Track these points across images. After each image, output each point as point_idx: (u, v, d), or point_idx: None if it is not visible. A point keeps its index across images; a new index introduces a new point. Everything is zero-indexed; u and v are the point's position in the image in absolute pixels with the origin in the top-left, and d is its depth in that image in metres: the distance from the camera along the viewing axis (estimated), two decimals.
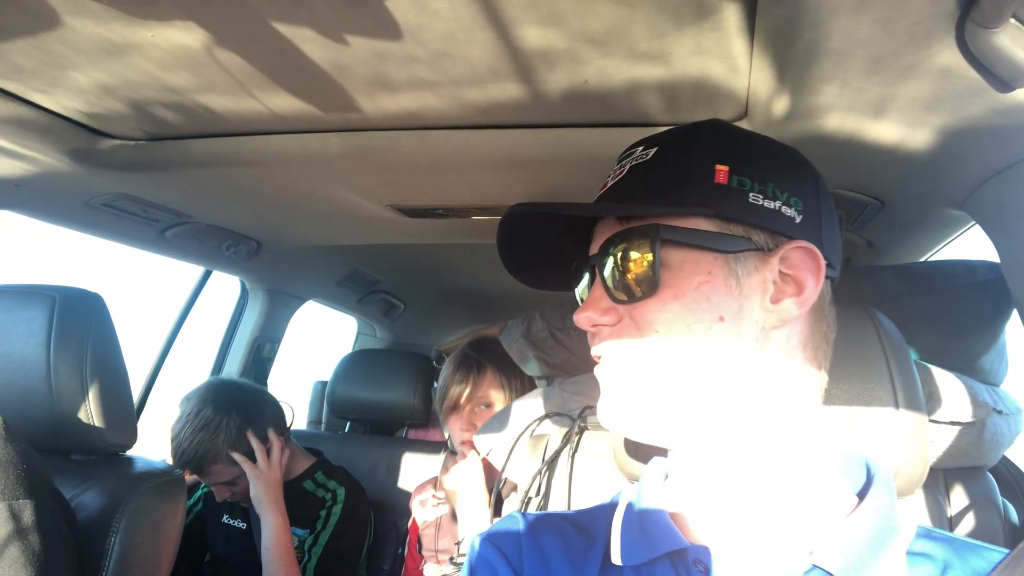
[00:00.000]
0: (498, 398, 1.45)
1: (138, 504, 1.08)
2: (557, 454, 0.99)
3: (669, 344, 0.51)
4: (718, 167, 0.52)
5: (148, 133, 1.05)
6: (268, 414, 1.60)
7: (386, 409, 2.03)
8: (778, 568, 0.50)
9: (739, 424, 0.52)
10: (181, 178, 1.19)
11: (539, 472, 0.98)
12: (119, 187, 1.22)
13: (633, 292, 0.52)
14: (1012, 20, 0.53)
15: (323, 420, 2.53)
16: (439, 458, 1.81)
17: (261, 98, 0.88)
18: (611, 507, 0.62)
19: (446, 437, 1.72)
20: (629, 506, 0.59)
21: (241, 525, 1.63)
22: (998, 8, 0.52)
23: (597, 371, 0.56)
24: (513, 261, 0.64)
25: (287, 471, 1.59)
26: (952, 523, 0.85)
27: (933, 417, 0.83)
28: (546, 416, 1.13)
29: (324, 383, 2.43)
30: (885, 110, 0.72)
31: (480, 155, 1.00)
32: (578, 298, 0.62)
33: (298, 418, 1.74)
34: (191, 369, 2.06)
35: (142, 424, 1.28)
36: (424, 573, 1.49)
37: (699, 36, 0.67)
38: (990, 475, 0.90)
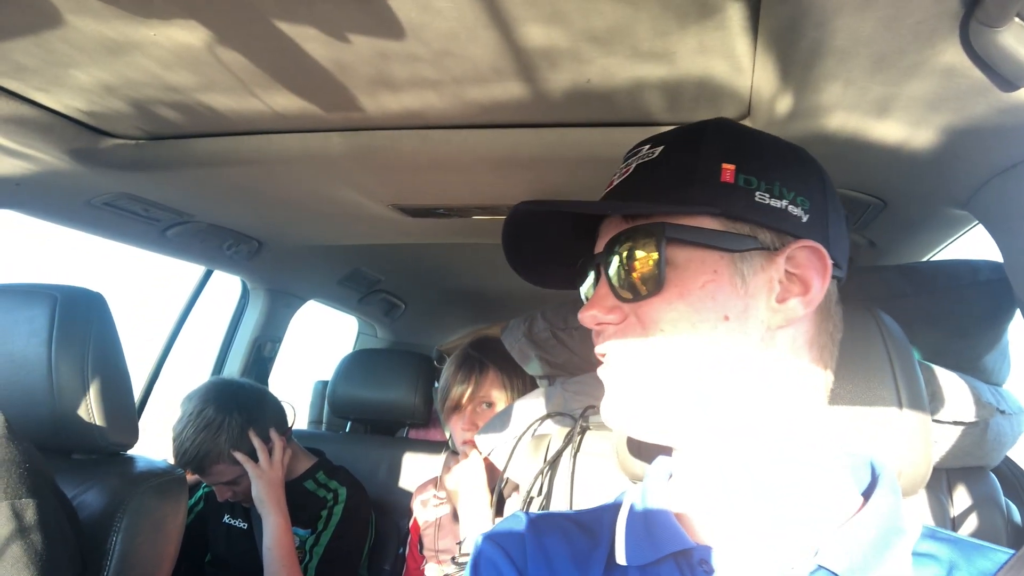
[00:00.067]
0: (500, 398, 1.45)
1: (139, 503, 1.08)
2: (559, 454, 0.99)
3: (674, 343, 0.51)
4: (724, 166, 0.52)
5: (149, 132, 1.05)
6: (270, 414, 1.60)
7: (387, 409, 2.03)
8: (783, 568, 0.50)
9: (744, 424, 0.51)
10: (182, 177, 1.18)
11: (541, 472, 0.98)
12: (120, 186, 1.22)
13: (638, 290, 0.52)
14: (1016, 19, 0.53)
15: (324, 420, 2.53)
16: (440, 458, 1.80)
17: (263, 97, 0.88)
18: (615, 507, 0.62)
19: (447, 437, 1.71)
20: (633, 506, 0.59)
21: (242, 525, 1.63)
22: (1002, 7, 0.51)
23: (601, 371, 0.56)
24: (518, 259, 0.64)
25: (288, 471, 1.58)
26: (955, 523, 0.85)
27: (936, 417, 0.82)
28: (548, 416, 1.13)
29: (325, 383, 2.43)
30: (888, 109, 0.72)
31: (482, 154, 1.00)
32: (583, 296, 0.62)
33: (299, 418, 1.74)
34: (192, 369, 2.06)
35: (143, 424, 1.28)
36: (425, 573, 1.49)
37: (702, 35, 0.66)
38: (993, 475, 0.90)
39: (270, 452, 1.53)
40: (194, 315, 1.94)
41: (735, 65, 0.72)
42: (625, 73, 0.75)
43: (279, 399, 1.68)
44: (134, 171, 1.13)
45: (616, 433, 0.82)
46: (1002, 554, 0.49)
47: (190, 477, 1.48)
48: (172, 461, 1.46)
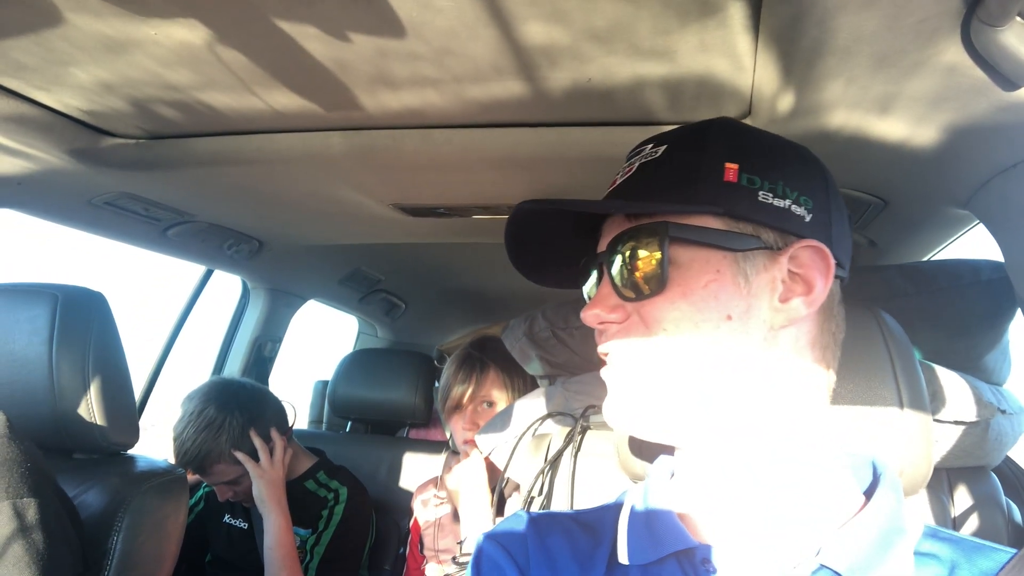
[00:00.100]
0: (500, 397, 1.45)
1: (140, 503, 1.08)
2: (560, 453, 0.99)
3: (677, 342, 0.51)
4: (728, 165, 0.52)
5: (150, 131, 1.05)
6: (270, 413, 1.60)
7: (387, 409, 2.03)
8: (785, 567, 0.50)
9: (747, 423, 0.51)
10: (183, 177, 1.18)
11: (542, 472, 0.98)
12: (121, 186, 1.22)
13: (641, 290, 0.52)
14: (1018, 18, 0.53)
15: (324, 420, 2.53)
16: (440, 458, 1.80)
17: (263, 96, 0.88)
18: (616, 507, 0.61)
19: (448, 437, 1.72)
20: (635, 505, 0.59)
21: (242, 525, 1.63)
22: (1004, 6, 0.51)
23: (604, 371, 0.56)
24: (520, 259, 0.64)
25: (289, 471, 1.58)
26: (956, 523, 0.85)
27: (937, 416, 0.82)
28: (548, 415, 1.13)
29: (325, 383, 2.44)
30: (890, 107, 0.72)
31: (483, 154, 1.00)
32: (585, 296, 0.62)
33: (299, 418, 1.74)
34: (192, 369, 2.06)
35: (143, 424, 1.28)
36: (426, 573, 1.49)
37: (703, 33, 0.66)
38: (994, 475, 0.90)
39: (271, 452, 1.53)
40: (194, 315, 1.94)
41: (736, 63, 0.72)
42: (626, 71, 0.75)
43: (280, 399, 1.68)
44: (135, 170, 1.13)
45: (617, 433, 0.82)
46: (1004, 553, 0.49)
47: (191, 477, 1.49)
48: (173, 461, 1.47)
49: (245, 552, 1.58)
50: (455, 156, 1.01)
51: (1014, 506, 0.89)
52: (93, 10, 0.68)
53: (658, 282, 0.51)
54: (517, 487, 1.13)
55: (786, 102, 0.76)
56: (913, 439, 0.66)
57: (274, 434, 1.56)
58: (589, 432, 1.01)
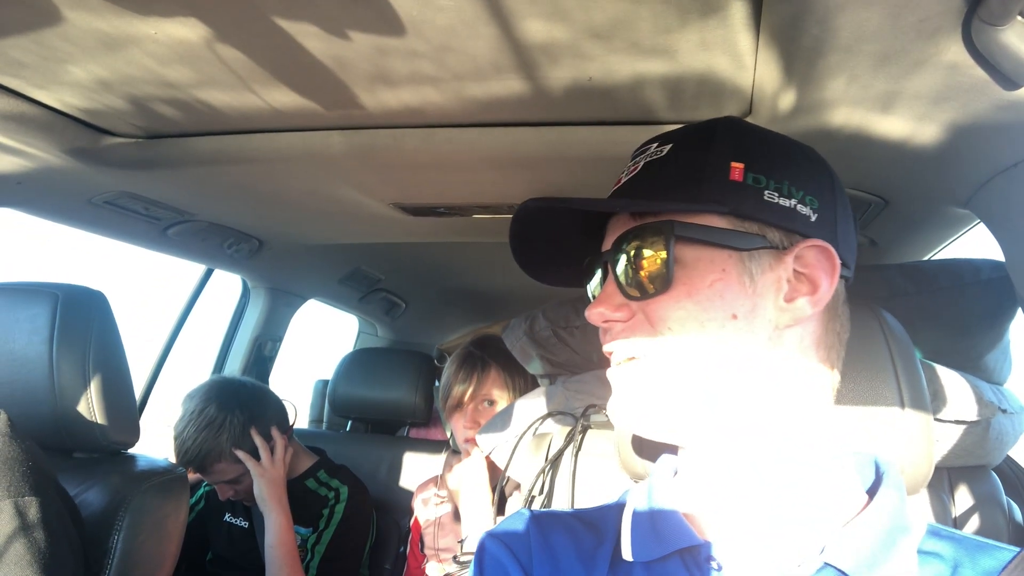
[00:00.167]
0: (501, 396, 1.45)
1: (141, 502, 1.08)
2: (560, 453, 0.99)
3: (682, 342, 0.51)
4: (733, 164, 0.52)
5: (149, 130, 1.04)
6: (271, 412, 1.60)
7: (388, 408, 2.03)
8: (790, 566, 0.50)
9: (752, 422, 0.51)
10: (183, 176, 1.18)
11: (542, 471, 0.98)
12: (121, 185, 1.22)
13: (646, 289, 0.52)
14: (1019, 18, 0.53)
15: (324, 419, 2.54)
16: (441, 457, 1.81)
17: (262, 94, 0.88)
18: (619, 505, 0.61)
19: (448, 436, 1.71)
20: (638, 503, 0.59)
21: (243, 524, 1.63)
22: (1005, 5, 0.51)
23: (609, 370, 0.56)
24: (524, 257, 0.64)
25: (290, 470, 1.59)
26: (957, 522, 0.85)
27: (938, 416, 0.82)
28: (549, 415, 1.13)
29: (325, 382, 2.44)
30: (891, 106, 0.72)
31: (483, 153, 1.00)
32: (590, 295, 0.62)
33: (300, 417, 1.74)
34: (192, 368, 2.06)
35: (143, 424, 1.28)
36: (426, 572, 1.49)
37: (704, 31, 0.66)
38: (994, 474, 0.90)
39: (272, 450, 1.53)
40: (195, 314, 1.94)
41: (737, 61, 0.72)
42: (626, 69, 0.75)
43: (280, 398, 1.68)
44: (135, 170, 1.13)
45: (617, 432, 0.82)
46: (1006, 552, 0.49)
47: (191, 476, 1.49)
48: (173, 460, 1.47)
49: (246, 551, 1.58)
50: (455, 155, 1.01)
51: (1015, 505, 0.89)
52: (91, 8, 0.68)
53: (663, 281, 0.51)
54: (518, 486, 1.13)
55: (787, 100, 0.76)
56: (914, 438, 0.66)
57: (275, 433, 1.56)
58: (590, 431, 1.01)
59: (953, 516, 0.85)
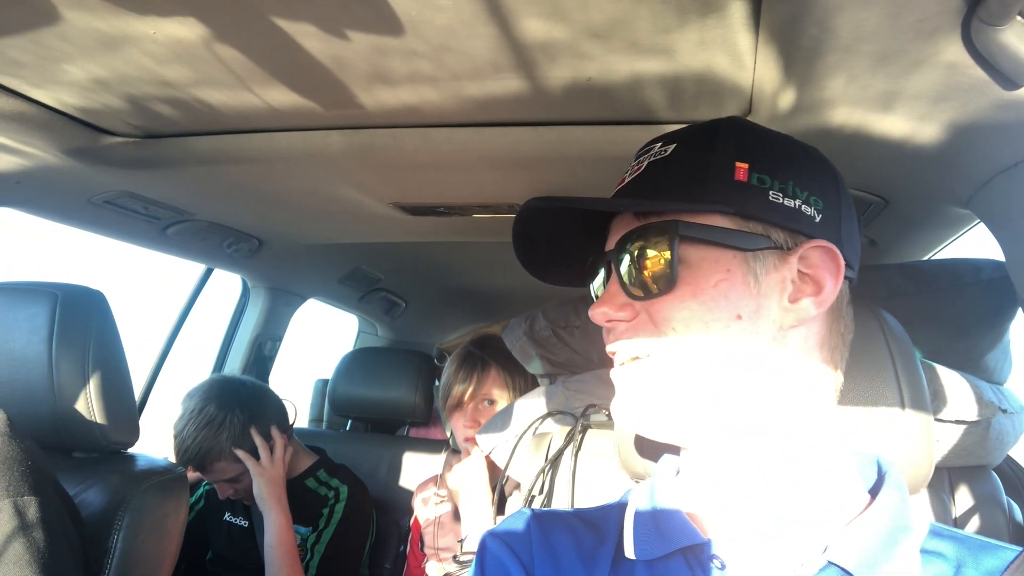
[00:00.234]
0: (501, 396, 1.45)
1: (141, 502, 1.08)
2: (560, 452, 0.99)
3: (686, 342, 0.50)
4: (738, 164, 0.52)
5: (148, 130, 1.04)
6: (271, 411, 1.60)
7: (387, 407, 2.03)
8: (793, 565, 0.50)
9: (756, 423, 0.51)
10: (182, 175, 1.18)
11: (542, 470, 0.98)
12: (120, 184, 1.22)
13: (650, 289, 0.52)
14: (1018, 18, 0.53)
15: (324, 419, 2.54)
16: (440, 456, 1.81)
17: (261, 94, 0.88)
18: (621, 505, 0.61)
19: (448, 435, 1.72)
20: (641, 502, 0.59)
21: (243, 523, 1.63)
22: (1004, 6, 0.51)
23: (613, 371, 0.56)
24: (527, 256, 0.64)
25: (289, 469, 1.59)
26: (957, 522, 0.85)
27: (938, 416, 0.82)
28: (549, 414, 1.13)
29: (325, 381, 2.44)
30: (891, 105, 0.72)
31: (483, 153, 1.00)
32: (593, 294, 0.62)
33: (299, 416, 1.74)
34: (192, 368, 2.06)
35: (143, 423, 1.28)
36: (426, 571, 1.49)
37: (703, 30, 0.66)
38: (995, 474, 0.90)
39: (271, 450, 1.53)
40: (194, 314, 1.94)
41: (737, 61, 0.72)
42: (625, 69, 0.75)
43: (280, 397, 1.68)
44: (134, 169, 1.13)
45: (617, 431, 0.82)
46: (1009, 552, 0.49)
47: (191, 475, 1.49)
48: (173, 459, 1.47)
49: (246, 550, 1.59)
50: (455, 155, 1.00)
51: (1015, 505, 0.89)
52: (89, 7, 0.68)
53: (667, 281, 0.51)
54: (517, 486, 1.13)
55: (787, 99, 0.76)
56: (914, 438, 0.66)
57: (274, 432, 1.56)
58: (589, 431, 1.01)
59: (953, 516, 0.85)
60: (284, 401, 1.68)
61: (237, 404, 1.52)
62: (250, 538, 1.59)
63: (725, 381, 0.51)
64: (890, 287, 0.91)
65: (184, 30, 0.72)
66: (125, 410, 1.16)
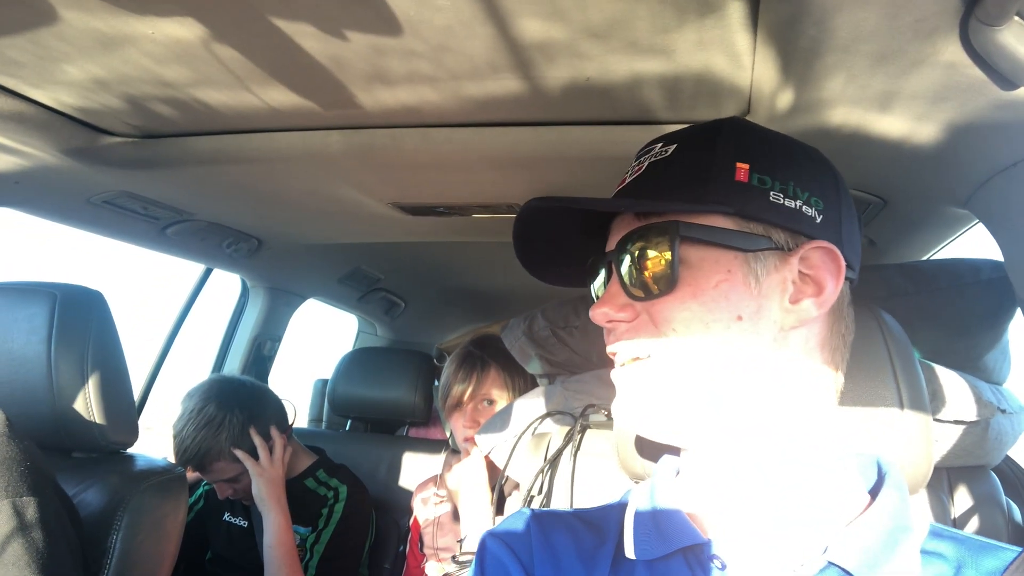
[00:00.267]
0: (501, 396, 1.45)
1: (140, 502, 1.08)
2: (559, 452, 0.99)
3: (687, 343, 0.50)
4: (739, 165, 0.52)
5: (146, 130, 1.04)
6: (270, 411, 1.60)
7: (387, 407, 2.03)
8: (793, 565, 0.50)
9: (757, 424, 0.51)
10: (181, 175, 1.18)
11: (541, 470, 0.98)
12: (119, 184, 1.22)
13: (650, 289, 0.52)
14: (1016, 18, 0.53)
15: (324, 418, 2.54)
16: (440, 456, 1.81)
17: (260, 94, 0.88)
18: (621, 505, 0.61)
19: (447, 435, 1.71)
20: (641, 502, 0.59)
21: (242, 523, 1.63)
22: (1002, 6, 0.51)
23: (613, 372, 0.56)
24: (527, 256, 0.64)
25: (289, 469, 1.59)
26: (956, 523, 0.85)
27: (937, 416, 0.82)
28: (548, 414, 1.13)
29: (325, 381, 2.44)
30: (889, 105, 0.72)
31: (482, 153, 1.00)
32: (593, 294, 0.62)
33: (299, 416, 1.74)
34: (191, 368, 2.06)
35: (143, 423, 1.28)
36: (426, 571, 1.49)
37: (702, 30, 0.66)
38: (994, 474, 0.90)
39: (271, 450, 1.53)
40: (194, 313, 1.94)
41: (735, 61, 0.72)
42: (624, 69, 0.75)
43: (279, 397, 1.68)
44: (133, 169, 1.13)
45: (616, 432, 0.82)
46: (1009, 552, 0.49)
47: (190, 475, 1.48)
48: (172, 459, 1.47)
49: (245, 550, 1.58)
50: (454, 155, 1.00)
51: (1014, 505, 0.89)
52: (86, 7, 0.68)
53: (668, 282, 0.51)
54: (517, 486, 1.13)
55: (785, 99, 0.76)
56: (913, 439, 0.66)
57: (274, 432, 1.56)
58: (588, 431, 1.01)
59: (952, 516, 0.85)
60: (283, 401, 1.68)
61: (236, 404, 1.52)
62: (249, 538, 1.59)
63: (726, 382, 0.51)
64: (890, 287, 0.90)
65: (183, 30, 0.72)
66: (124, 410, 1.16)
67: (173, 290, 2.03)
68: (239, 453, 1.49)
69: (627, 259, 0.54)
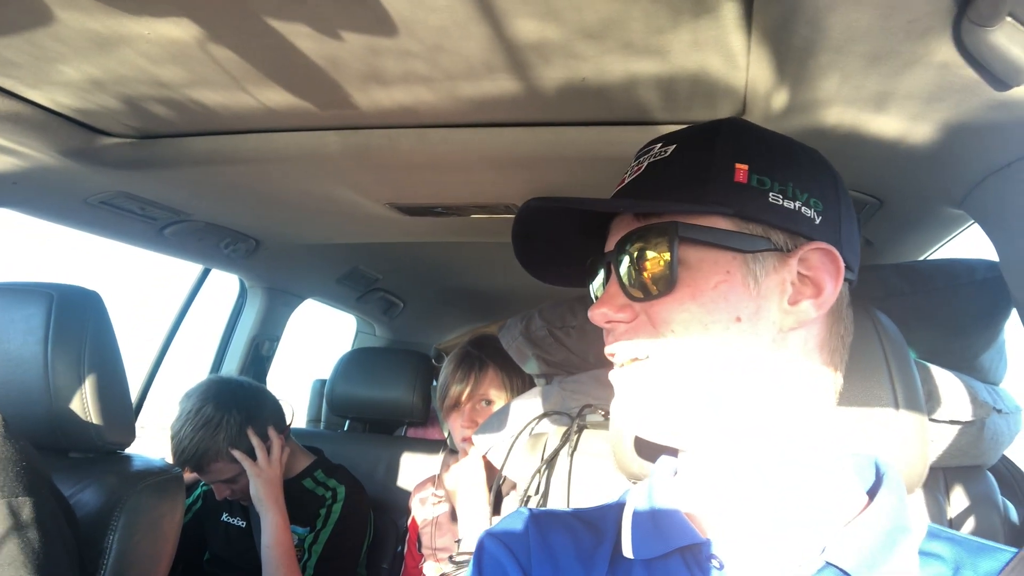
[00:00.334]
0: (499, 396, 1.45)
1: (136, 502, 1.08)
2: (556, 453, 0.99)
3: (685, 344, 0.50)
4: (738, 166, 0.52)
5: (143, 130, 1.04)
6: (268, 412, 1.60)
7: (385, 407, 2.03)
8: (791, 566, 0.50)
9: (755, 425, 0.51)
10: (179, 176, 1.18)
11: (538, 470, 0.98)
12: (117, 185, 1.22)
13: (649, 290, 0.52)
14: (1008, 19, 0.53)
15: (322, 419, 2.54)
16: (438, 457, 1.81)
17: (256, 94, 0.88)
18: (619, 505, 0.61)
19: (445, 435, 1.71)
20: (639, 502, 0.59)
21: (240, 523, 1.63)
22: (994, 6, 0.52)
23: (612, 373, 0.56)
24: (526, 256, 0.64)
25: (287, 469, 1.59)
26: (953, 523, 0.85)
27: (933, 416, 0.82)
28: (545, 415, 1.13)
29: (323, 381, 2.44)
30: (884, 105, 0.72)
31: (479, 153, 1.00)
32: (592, 295, 0.62)
33: (297, 417, 1.74)
34: (190, 368, 2.07)
35: (141, 423, 1.28)
36: (424, 571, 1.49)
37: (696, 31, 0.66)
38: (990, 474, 0.90)
39: (268, 450, 1.53)
40: (192, 314, 1.94)
41: (730, 61, 0.72)
42: (619, 69, 0.75)
43: (277, 397, 1.68)
44: (130, 170, 1.13)
45: (613, 432, 0.82)
46: (1006, 553, 0.49)
47: (188, 475, 1.48)
48: (170, 460, 1.47)
49: (243, 550, 1.58)
50: (451, 155, 1.01)
51: (1010, 505, 0.89)
52: (83, 8, 0.68)
53: (667, 283, 0.51)
54: (514, 486, 1.13)
55: (780, 99, 0.76)
56: (909, 439, 0.66)
57: (272, 433, 1.56)
58: (585, 431, 1.01)
59: (949, 517, 0.85)
60: (281, 401, 1.68)
61: (234, 405, 1.52)
62: (247, 538, 1.59)
63: (725, 383, 0.51)
64: (886, 287, 0.90)
65: (178, 31, 0.72)
66: (121, 411, 1.16)
67: (173, 290, 2.03)
68: (237, 454, 1.49)
69: (626, 260, 0.54)
